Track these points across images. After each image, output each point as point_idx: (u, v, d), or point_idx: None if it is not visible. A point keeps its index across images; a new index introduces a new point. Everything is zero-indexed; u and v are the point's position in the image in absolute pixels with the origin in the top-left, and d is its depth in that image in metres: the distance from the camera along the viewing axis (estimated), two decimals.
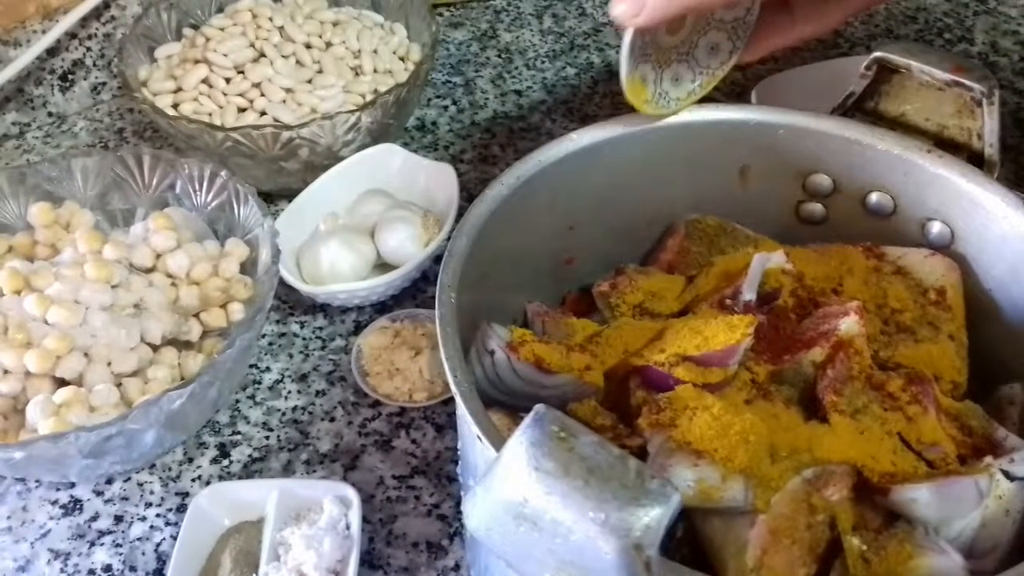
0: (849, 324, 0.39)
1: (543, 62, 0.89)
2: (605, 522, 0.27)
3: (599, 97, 0.84)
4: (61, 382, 0.52)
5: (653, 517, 0.27)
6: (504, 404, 0.42)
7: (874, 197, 0.48)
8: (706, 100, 0.50)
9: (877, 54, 0.46)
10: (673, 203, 0.51)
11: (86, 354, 0.51)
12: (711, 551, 0.36)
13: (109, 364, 0.52)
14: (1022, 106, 0.80)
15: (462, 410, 0.35)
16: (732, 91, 0.79)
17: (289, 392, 0.61)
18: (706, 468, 0.34)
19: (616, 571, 0.27)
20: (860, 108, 0.49)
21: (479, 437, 0.34)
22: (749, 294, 0.42)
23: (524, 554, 0.29)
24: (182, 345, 0.58)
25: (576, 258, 0.52)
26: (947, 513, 0.35)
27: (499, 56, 0.90)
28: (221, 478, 0.56)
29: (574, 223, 0.50)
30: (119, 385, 0.52)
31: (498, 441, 0.33)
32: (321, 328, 0.65)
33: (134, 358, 0.52)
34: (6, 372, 0.50)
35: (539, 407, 0.29)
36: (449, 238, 0.65)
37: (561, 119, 0.82)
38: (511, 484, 0.28)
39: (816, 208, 0.51)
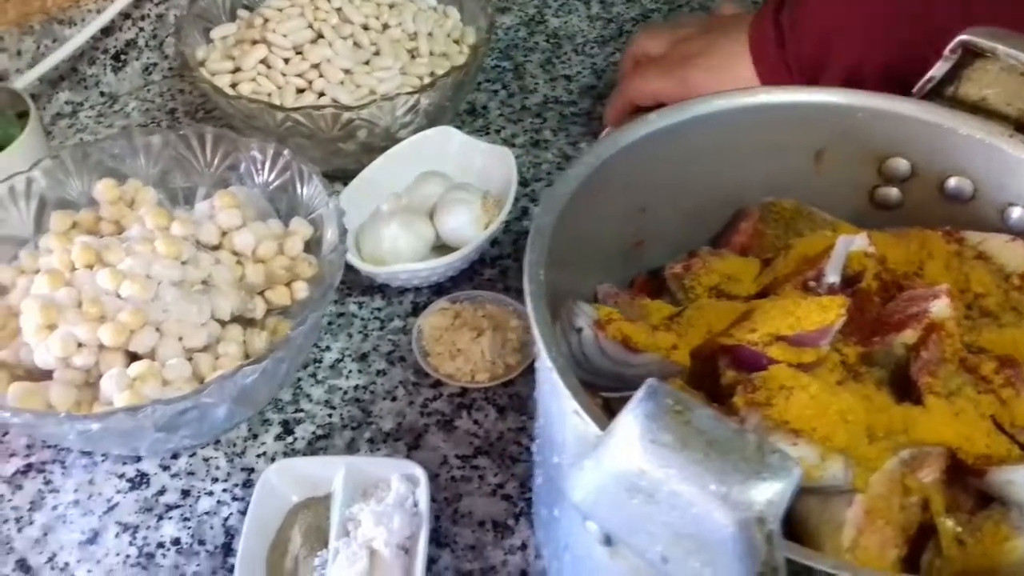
0: (940, 307, 0.39)
1: (592, 47, 0.89)
2: (727, 496, 0.27)
3: None
4: (132, 356, 0.52)
5: (776, 491, 0.27)
6: (584, 383, 0.42)
7: (953, 182, 0.48)
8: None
9: (963, 37, 0.45)
10: (745, 186, 0.51)
11: (158, 329, 0.51)
12: (805, 531, 0.36)
13: (180, 339, 0.52)
14: None
15: (557, 386, 0.35)
16: None
17: (350, 371, 0.61)
18: (805, 447, 0.34)
19: (736, 544, 0.27)
20: (939, 93, 0.48)
21: (577, 412, 0.34)
22: (833, 276, 0.42)
23: (635, 526, 0.29)
24: (245, 323, 0.58)
25: (645, 241, 0.52)
26: None
27: (547, 41, 0.90)
28: (286, 455, 0.57)
29: (646, 205, 0.50)
30: (190, 360, 0.52)
31: (598, 416, 0.33)
32: (379, 308, 0.65)
33: (204, 334, 0.53)
34: (80, 345, 0.50)
35: (651, 380, 0.29)
36: (507, 221, 0.66)
37: None
38: (625, 457, 0.28)
39: (891, 192, 0.50)
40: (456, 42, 0.76)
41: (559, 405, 0.37)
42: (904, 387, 0.39)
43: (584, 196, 0.44)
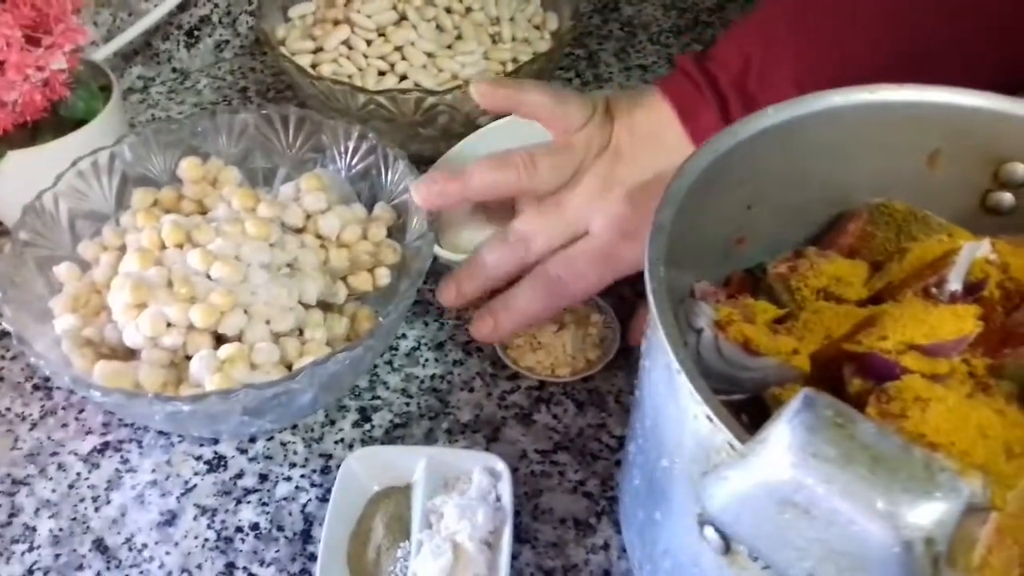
0: None
1: (667, 37, 0.87)
2: (895, 515, 0.25)
3: None
4: (219, 338, 0.51)
5: (946, 511, 0.25)
6: None
7: None
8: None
9: None
10: (853, 185, 0.49)
11: (246, 311, 0.51)
12: None
13: (268, 323, 0.51)
14: None
15: (684, 389, 0.34)
16: None
17: (426, 360, 0.61)
18: None
19: (900, 566, 0.26)
20: None
21: (709, 417, 0.32)
22: (956, 284, 0.41)
23: (781, 541, 0.28)
24: (325, 308, 0.57)
25: (747, 238, 0.50)
26: None
27: (622, 29, 0.88)
28: (363, 442, 0.56)
29: (753, 202, 0.48)
30: (276, 344, 0.52)
31: (733, 423, 0.32)
32: None
33: (291, 318, 0.52)
34: (170, 325, 0.50)
35: (807, 391, 0.28)
36: None
37: None
38: (780, 469, 0.27)
39: (1005, 198, 0.48)
40: (536, 28, 0.75)
41: (678, 408, 0.36)
42: None
43: (699, 191, 0.43)
